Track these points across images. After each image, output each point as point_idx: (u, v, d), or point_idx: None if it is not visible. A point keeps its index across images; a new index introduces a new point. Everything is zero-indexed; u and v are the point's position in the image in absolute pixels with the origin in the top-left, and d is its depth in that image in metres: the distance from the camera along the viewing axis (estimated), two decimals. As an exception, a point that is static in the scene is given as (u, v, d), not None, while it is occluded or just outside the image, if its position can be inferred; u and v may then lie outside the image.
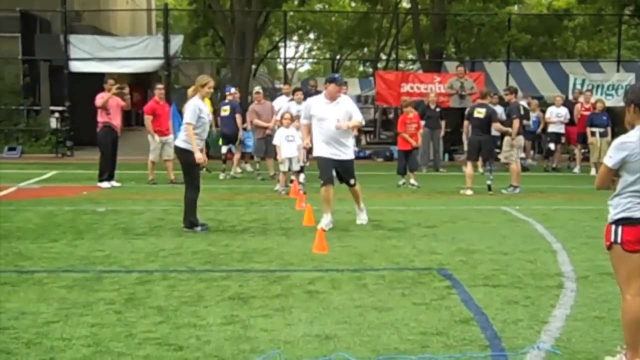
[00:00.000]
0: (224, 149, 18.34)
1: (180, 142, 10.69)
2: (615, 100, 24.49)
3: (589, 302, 6.96)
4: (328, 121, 10.77)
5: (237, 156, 18.53)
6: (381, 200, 14.30)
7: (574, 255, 9.10)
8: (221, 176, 17.85)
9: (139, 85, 28.94)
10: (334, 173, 11.10)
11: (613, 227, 5.13)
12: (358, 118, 11.07)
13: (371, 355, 5.42)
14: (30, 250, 9.13)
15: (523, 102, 21.18)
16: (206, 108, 10.86)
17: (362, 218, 11.44)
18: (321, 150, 10.93)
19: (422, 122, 18.67)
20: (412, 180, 16.66)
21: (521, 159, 20.31)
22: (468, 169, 15.62)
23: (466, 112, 16.33)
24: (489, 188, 15.44)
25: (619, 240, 5.08)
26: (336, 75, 11.44)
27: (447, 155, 23.45)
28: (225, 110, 18.32)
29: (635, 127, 5.12)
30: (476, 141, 15.57)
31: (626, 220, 5.06)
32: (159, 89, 17.33)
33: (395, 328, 6.08)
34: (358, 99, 28.01)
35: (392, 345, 5.65)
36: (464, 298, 7.07)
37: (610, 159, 5.08)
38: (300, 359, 5.32)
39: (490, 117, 15.41)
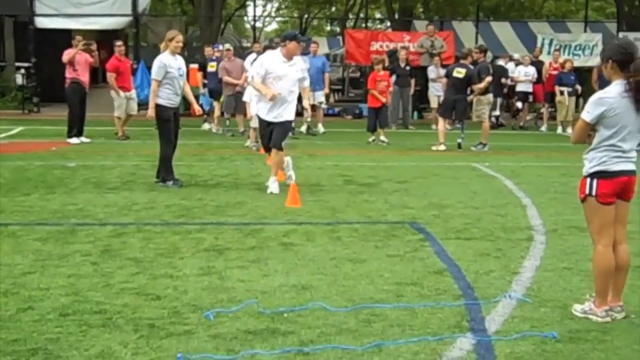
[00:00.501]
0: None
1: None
2: (582, 60, 24.73)
3: (557, 254, 7.11)
4: (283, 81, 10.11)
5: (217, 113, 18.57)
6: (352, 157, 14.37)
7: (543, 210, 9.26)
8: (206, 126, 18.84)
9: (106, 42, 28.57)
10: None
11: (588, 180, 5.24)
12: (306, 84, 11.13)
13: (347, 304, 5.50)
14: (2, 204, 9.07)
15: (501, 62, 21.43)
16: (177, 62, 10.70)
17: (272, 187, 10.25)
18: (263, 111, 10.32)
19: (392, 80, 18.71)
20: (381, 137, 16.75)
21: (496, 116, 20.63)
22: (440, 125, 15.71)
23: (432, 70, 16.40)
24: (459, 146, 15.58)
25: (593, 192, 5.20)
26: (296, 32, 10.90)
27: (416, 113, 23.53)
28: (212, 67, 18.53)
29: (613, 83, 5.21)
30: (451, 100, 15.67)
31: (601, 174, 5.18)
32: (119, 46, 17.20)
33: (370, 279, 6.17)
34: (327, 58, 27.85)
35: (368, 295, 5.75)
36: (437, 250, 7.18)
37: (588, 114, 5.16)
38: (278, 308, 5.39)
39: (470, 77, 15.49)
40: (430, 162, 13.70)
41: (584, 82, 21.20)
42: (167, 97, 10.53)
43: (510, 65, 21.55)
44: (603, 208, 5.21)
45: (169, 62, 10.52)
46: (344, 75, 32.95)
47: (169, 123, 10.60)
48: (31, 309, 5.27)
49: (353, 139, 17.64)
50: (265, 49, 17.60)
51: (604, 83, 20.45)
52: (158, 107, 10.51)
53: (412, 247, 7.30)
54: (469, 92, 15.92)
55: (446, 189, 10.74)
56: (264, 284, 5.97)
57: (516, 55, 23.18)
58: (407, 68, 20.89)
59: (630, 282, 6.04)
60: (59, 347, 4.58)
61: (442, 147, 15.31)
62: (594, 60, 23.99)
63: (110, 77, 16.68)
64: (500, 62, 21.24)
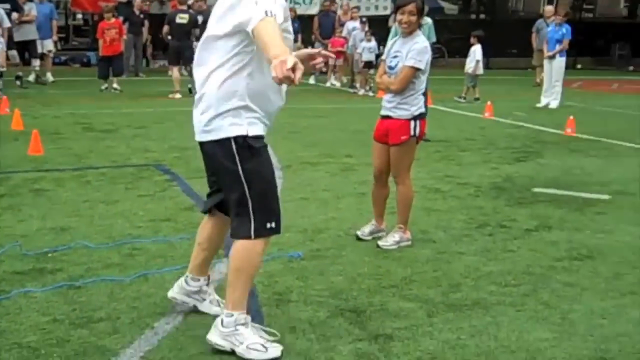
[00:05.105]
0: None
1: None
2: (302, 9, 25.90)
3: (294, 186, 7.84)
4: None
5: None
6: (87, 105, 14.36)
7: (277, 149, 9.93)
8: None
9: None
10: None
11: (412, 122, 5.79)
12: None
13: (108, 241, 5.83)
14: None
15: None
16: None
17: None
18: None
19: (125, 28, 18.50)
20: (114, 85, 16.77)
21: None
22: (174, 73, 15.95)
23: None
24: (190, 91, 15.98)
25: (417, 133, 5.82)
26: None
27: (144, 61, 23.54)
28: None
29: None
30: (177, 46, 15.95)
31: (422, 115, 5.87)
32: None
33: (126, 217, 6.52)
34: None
35: (126, 232, 6.11)
36: (185, 189, 7.66)
37: (420, 62, 5.68)
38: (41, 249, 5.60)
39: (195, 22, 15.86)
40: (166, 107, 14.06)
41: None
42: None
43: None
44: (416, 146, 5.90)
45: None
46: (67, 22, 31.90)
47: None
48: None
49: (84, 87, 17.52)
50: None
51: (324, 31, 21.55)
52: None
53: (161, 187, 7.72)
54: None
55: (184, 133, 11.04)
56: (22, 229, 6.12)
57: None
58: (141, 16, 20.84)
59: (358, 206, 6.96)
60: None
61: (178, 96, 15.55)
62: (313, 9, 25.33)
63: None
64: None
